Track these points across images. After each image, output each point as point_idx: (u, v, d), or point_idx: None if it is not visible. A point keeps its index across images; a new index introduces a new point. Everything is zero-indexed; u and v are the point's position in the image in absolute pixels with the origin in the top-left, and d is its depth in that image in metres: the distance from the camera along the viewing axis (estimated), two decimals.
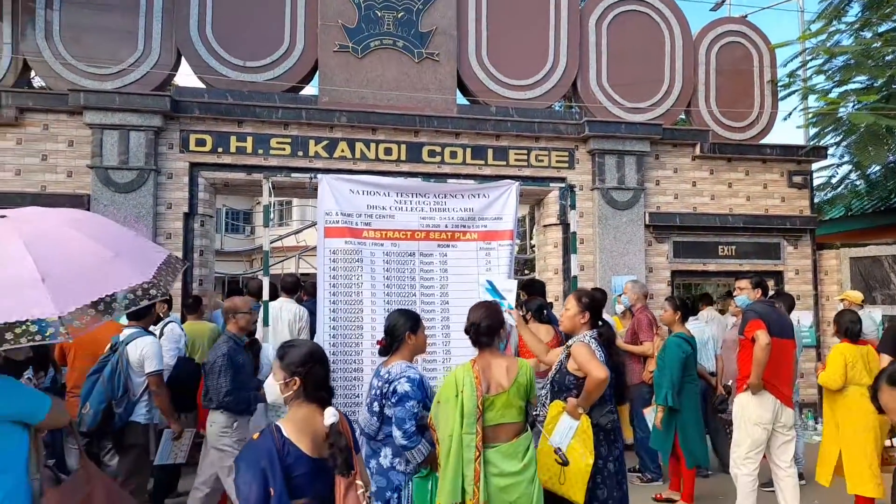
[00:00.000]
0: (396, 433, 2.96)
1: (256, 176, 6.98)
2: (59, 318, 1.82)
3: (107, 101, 6.54)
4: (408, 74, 7.41)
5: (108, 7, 6.86)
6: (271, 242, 5.34)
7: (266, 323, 5.04)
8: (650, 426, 5.23)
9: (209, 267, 7.36)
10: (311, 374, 2.28)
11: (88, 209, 6.48)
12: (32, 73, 7.12)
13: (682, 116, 8.77)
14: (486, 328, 3.08)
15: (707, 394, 5.78)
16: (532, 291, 5.50)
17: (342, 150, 7.21)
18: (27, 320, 1.81)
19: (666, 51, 8.28)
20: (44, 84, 7.09)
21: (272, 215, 5.13)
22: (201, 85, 7.16)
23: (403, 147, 7.37)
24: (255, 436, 2.21)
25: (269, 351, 4.84)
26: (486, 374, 2.98)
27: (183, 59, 7.07)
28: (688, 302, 5.41)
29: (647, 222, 7.84)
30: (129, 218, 6.49)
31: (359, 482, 2.20)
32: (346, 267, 5.00)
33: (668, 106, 8.24)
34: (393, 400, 2.97)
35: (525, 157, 7.67)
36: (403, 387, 2.97)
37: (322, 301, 4.89)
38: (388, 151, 7.33)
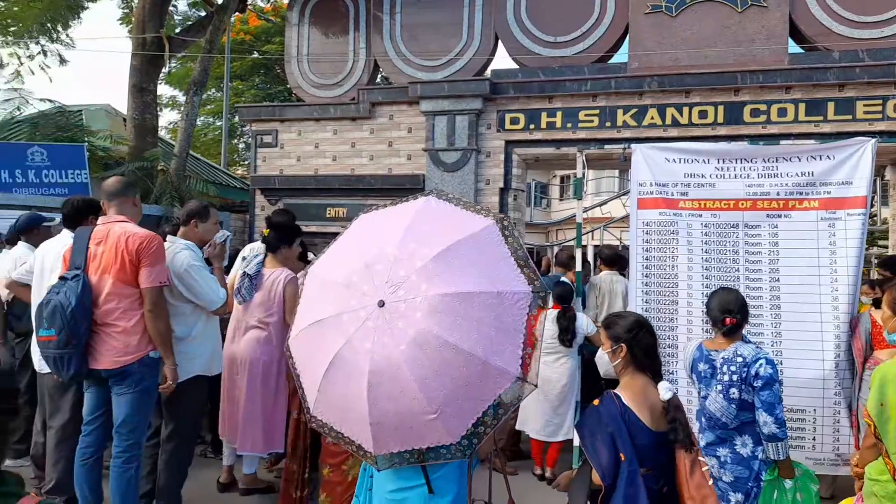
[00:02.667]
0: (767, 419, 2.81)
1: (565, 150, 7.17)
2: (458, 442, 2.03)
3: (437, 89, 7.38)
4: (728, 27, 6.75)
5: (437, 4, 7.68)
6: (584, 212, 5.44)
7: (579, 293, 5.18)
8: None
9: (521, 238, 7.83)
10: (637, 341, 2.30)
11: (423, 188, 7.44)
12: (380, 72, 8.39)
13: None
14: None
15: None
16: None
17: (651, 118, 6.94)
18: (427, 448, 2.08)
19: None
20: (389, 80, 8.28)
21: (584, 187, 5.21)
22: (515, 66, 7.58)
23: (721, 108, 6.77)
24: (595, 402, 2.31)
25: (582, 321, 4.97)
26: None
27: (500, 42, 7.56)
28: None
29: None
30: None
31: (702, 458, 2.15)
32: (660, 240, 4.84)
33: None
34: (758, 384, 2.82)
35: (879, 108, 6.39)
36: (766, 370, 2.81)
37: (634, 275, 4.82)
38: (702, 115, 6.82)
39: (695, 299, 4.68)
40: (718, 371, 2.94)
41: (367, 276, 2.14)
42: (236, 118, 17.86)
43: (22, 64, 10.60)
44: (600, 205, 8.83)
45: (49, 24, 10.30)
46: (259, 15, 17.82)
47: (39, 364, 3.72)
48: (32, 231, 4.42)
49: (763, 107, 6.67)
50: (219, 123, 19.51)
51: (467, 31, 7.59)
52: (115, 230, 3.26)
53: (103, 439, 3.37)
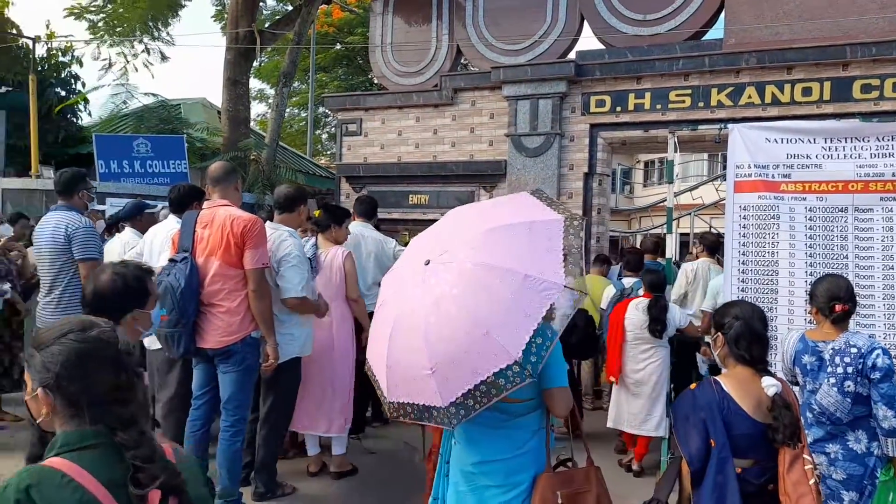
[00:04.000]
0: (887, 413, 2.63)
1: (654, 132, 6.92)
2: (446, 407, 2.07)
3: (520, 74, 7.28)
4: None
5: None
6: (676, 196, 5.23)
7: (669, 281, 4.99)
8: None
9: (605, 225, 7.64)
10: (733, 330, 2.22)
11: (505, 174, 7.41)
12: (461, 59, 8.37)
13: None
14: None
15: None
16: None
17: (749, 96, 6.57)
18: (422, 404, 2.14)
19: None
20: (467, 68, 8.26)
21: (676, 171, 5.01)
22: (600, 47, 7.36)
23: (827, 84, 6.31)
24: (692, 386, 2.24)
25: (675, 312, 4.79)
26: None
27: (585, 23, 7.37)
28: None
29: None
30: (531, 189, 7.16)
31: (807, 457, 2.03)
32: (758, 224, 4.59)
33: None
34: (875, 376, 2.64)
35: None
36: (884, 360, 2.63)
37: (730, 262, 4.60)
38: (806, 92, 6.38)
39: (797, 288, 4.41)
40: (829, 363, 2.76)
41: (433, 241, 2.36)
42: (320, 109, 18.38)
43: (128, 62, 11.33)
44: (690, 189, 8.47)
45: (151, 24, 10.93)
46: (342, 6, 18.19)
47: (149, 342, 3.97)
48: (136, 218, 4.74)
49: (875, 81, 6.15)
50: (303, 115, 20.15)
51: (551, 13, 7.43)
52: (220, 213, 3.38)
53: (211, 413, 3.55)
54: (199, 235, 3.37)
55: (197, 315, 3.34)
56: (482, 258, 2.12)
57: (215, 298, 3.34)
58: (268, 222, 3.88)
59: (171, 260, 3.40)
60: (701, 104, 6.73)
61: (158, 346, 3.89)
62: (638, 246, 8.56)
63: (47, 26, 14.56)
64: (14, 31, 11.15)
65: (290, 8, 12.15)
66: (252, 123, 17.10)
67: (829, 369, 2.75)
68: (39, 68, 9.87)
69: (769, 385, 2.12)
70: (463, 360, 2.04)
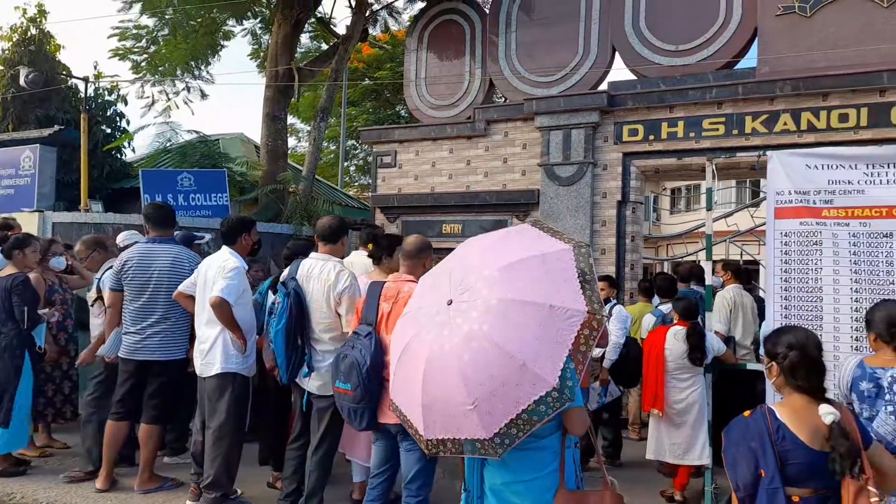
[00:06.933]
0: None
1: (687, 160, 6.94)
2: (491, 438, 2.20)
3: (553, 105, 7.39)
4: (872, 25, 6.27)
5: (553, 21, 7.73)
6: (715, 221, 5.22)
7: (708, 308, 4.97)
8: None
9: (639, 252, 7.63)
10: (789, 360, 2.21)
11: (538, 203, 7.48)
12: (494, 91, 8.53)
13: None
14: None
15: None
16: None
17: (784, 124, 6.56)
18: (464, 438, 2.26)
19: None
20: (494, 100, 8.40)
21: (714, 198, 5.01)
22: (633, 77, 7.45)
23: (864, 111, 6.28)
24: (746, 413, 2.24)
25: (711, 338, 4.75)
26: None
27: (616, 54, 7.48)
28: None
29: None
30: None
31: (871, 489, 2.01)
32: (801, 251, 4.57)
33: None
34: None
35: None
36: None
37: (772, 289, 4.58)
38: (843, 118, 6.36)
39: (842, 315, 4.37)
40: (887, 390, 2.72)
41: (446, 279, 2.47)
42: (348, 142, 18.77)
43: (169, 100, 11.77)
44: (726, 216, 8.42)
45: (192, 63, 11.37)
46: (371, 43, 18.65)
47: (200, 369, 4.08)
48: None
49: None
50: (332, 148, 20.57)
51: (583, 45, 7.56)
52: (405, 290, 3.26)
53: (389, 490, 3.45)
54: (383, 310, 3.29)
55: (380, 391, 3.20)
56: (505, 294, 2.25)
57: None
58: (315, 253, 3.99)
59: (355, 333, 3.34)
60: (735, 131, 6.75)
61: (209, 373, 4.01)
62: (670, 272, 8.52)
63: (95, 67, 15.22)
64: (64, 73, 11.70)
65: (325, 46, 12.54)
66: None
67: (888, 396, 2.71)
68: (87, 107, 10.31)
69: (826, 413, 2.10)
70: (503, 392, 2.16)
